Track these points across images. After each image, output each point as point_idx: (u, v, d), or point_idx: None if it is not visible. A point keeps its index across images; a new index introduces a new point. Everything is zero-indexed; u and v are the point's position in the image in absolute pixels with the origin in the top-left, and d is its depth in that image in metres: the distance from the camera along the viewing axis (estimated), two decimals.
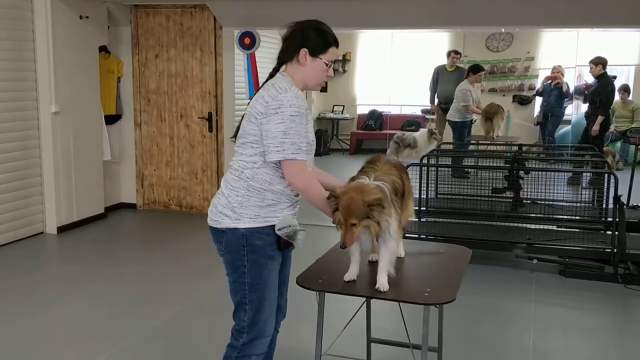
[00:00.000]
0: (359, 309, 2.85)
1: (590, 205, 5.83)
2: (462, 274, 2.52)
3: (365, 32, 8.89)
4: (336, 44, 2.41)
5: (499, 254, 5.28)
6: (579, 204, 5.79)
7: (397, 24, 6.30)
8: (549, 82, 7.86)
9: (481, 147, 7.66)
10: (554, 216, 5.63)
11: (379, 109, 9.53)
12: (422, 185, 5.67)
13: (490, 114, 7.55)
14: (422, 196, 5.68)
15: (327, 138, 9.92)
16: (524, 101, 8.45)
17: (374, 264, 2.47)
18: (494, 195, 5.83)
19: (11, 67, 5.59)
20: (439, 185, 6.24)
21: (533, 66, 8.39)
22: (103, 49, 6.58)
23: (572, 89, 7.99)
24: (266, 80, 2.41)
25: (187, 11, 6.66)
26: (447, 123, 8.03)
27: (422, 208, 5.69)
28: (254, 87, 6.23)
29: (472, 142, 7.79)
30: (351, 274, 2.38)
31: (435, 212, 5.89)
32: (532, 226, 5.55)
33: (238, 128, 2.42)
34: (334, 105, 9.85)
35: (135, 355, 3.52)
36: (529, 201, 5.83)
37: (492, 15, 5.90)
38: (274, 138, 2.24)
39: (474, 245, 4.03)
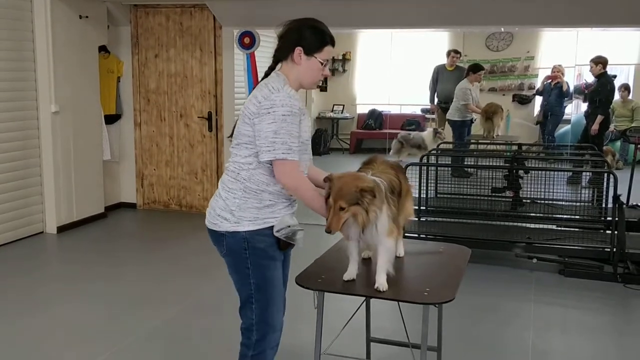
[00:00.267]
0: (359, 308, 2.86)
1: (590, 204, 5.83)
2: (461, 273, 2.53)
3: (365, 31, 8.90)
4: (332, 42, 2.39)
5: (499, 254, 5.28)
6: (578, 204, 5.79)
7: (396, 23, 6.31)
8: (549, 81, 7.86)
9: (481, 147, 7.66)
10: (554, 215, 5.63)
11: (379, 108, 9.55)
12: (422, 184, 5.66)
13: (490, 114, 7.56)
14: (421, 195, 5.67)
15: (327, 137, 9.94)
16: (523, 100, 8.47)
17: (371, 263, 2.47)
18: (493, 194, 5.83)
19: (11, 67, 5.59)
20: (438, 185, 6.24)
21: (533, 65, 8.40)
22: (103, 48, 6.58)
23: (571, 88, 7.99)
24: (261, 80, 2.41)
25: (187, 11, 6.66)
26: (446, 122, 8.04)
27: (421, 207, 5.69)
28: (254, 86, 6.20)
29: (472, 141, 7.79)
30: (350, 273, 2.38)
31: (434, 212, 5.89)
32: (532, 225, 5.55)
33: (235, 127, 2.42)
34: (333, 105, 9.87)
35: (135, 355, 3.52)
36: (528, 200, 5.83)
37: (491, 14, 5.90)
38: (265, 138, 2.24)
39: (474, 245, 4.04)
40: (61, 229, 6.06)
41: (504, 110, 7.77)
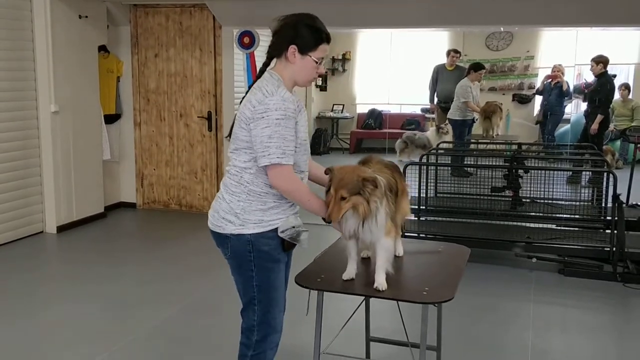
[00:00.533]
0: (358, 307, 2.86)
1: (590, 204, 5.83)
2: (461, 272, 2.53)
3: (365, 31, 8.89)
4: (327, 40, 2.35)
5: (498, 253, 5.28)
6: (578, 203, 5.79)
7: (396, 23, 6.30)
8: (549, 81, 7.86)
9: (481, 146, 7.66)
10: (554, 215, 5.63)
11: (379, 108, 9.54)
12: (422, 184, 5.66)
13: (489, 113, 7.56)
14: (421, 195, 5.67)
15: (327, 137, 9.93)
16: (523, 100, 8.46)
17: (370, 262, 2.47)
18: (493, 194, 5.83)
19: (11, 67, 5.59)
20: (438, 184, 6.24)
21: (533, 65, 8.39)
22: (102, 48, 6.58)
23: (571, 87, 7.99)
24: (256, 79, 2.37)
25: (187, 10, 6.66)
26: (443, 121, 8.04)
27: (421, 207, 5.69)
28: None
29: (472, 141, 7.79)
30: (349, 272, 2.38)
31: (434, 211, 5.89)
32: (532, 225, 5.55)
33: (232, 127, 2.40)
34: (333, 105, 9.86)
35: (135, 355, 3.52)
36: (528, 200, 5.83)
37: (491, 14, 5.90)
38: (260, 143, 2.23)
39: (473, 244, 4.04)
40: (61, 229, 6.06)
41: (502, 110, 7.77)
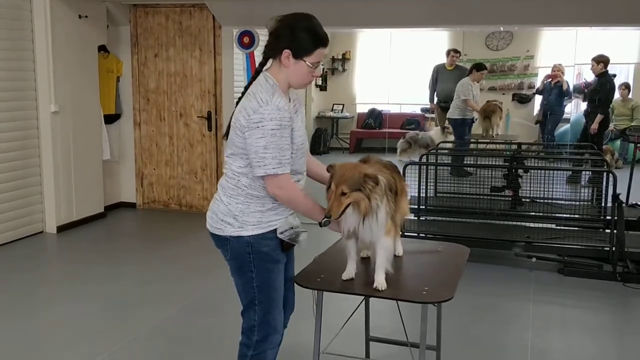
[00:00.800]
0: (358, 307, 2.86)
1: (589, 203, 5.83)
2: (460, 272, 2.53)
3: (365, 31, 8.89)
4: (324, 44, 2.27)
5: (498, 253, 5.28)
6: (578, 203, 5.79)
7: (396, 22, 6.30)
8: (549, 80, 7.86)
9: (480, 146, 7.66)
10: (553, 215, 5.63)
11: (379, 107, 9.54)
12: (421, 183, 5.66)
13: (488, 113, 7.56)
14: (421, 195, 5.67)
15: (327, 137, 9.93)
16: (523, 100, 8.46)
17: (370, 262, 2.48)
18: (493, 193, 5.83)
19: (10, 67, 5.59)
20: (438, 184, 6.24)
21: (532, 65, 8.39)
22: (102, 48, 6.58)
23: (571, 87, 7.99)
24: (252, 80, 2.35)
25: (186, 10, 6.66)
26: (447, 121, 8.04)
27: (421, 206, 5.69)
28: None
29: (472, 140, 7.79)
30: (349, 272, 2.39)
31: (434, 211, 5.89)
32: (531, 225, 5.55)
33: (229, 127, 2.39)
34: (333, 104, 9.86)
35: (135, 355, 3.53)
36: (528, 200, 5.83)
37: (491, 14, 5.90)
38: (255, 153, 2.21)
39: (473, 244, 4.05)
40: (61, 229, 6.06)
41: (503, 110, 7.76)
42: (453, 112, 7.81)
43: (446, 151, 6.92)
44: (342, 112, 9.81)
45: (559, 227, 5.52)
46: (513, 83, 8.47)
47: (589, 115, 7.35)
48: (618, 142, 8.32)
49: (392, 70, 8.84)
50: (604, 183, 5.47)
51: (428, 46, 8.73)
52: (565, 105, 8.04)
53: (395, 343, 3.12)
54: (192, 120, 6.84)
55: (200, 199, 6.94)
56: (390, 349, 3.20)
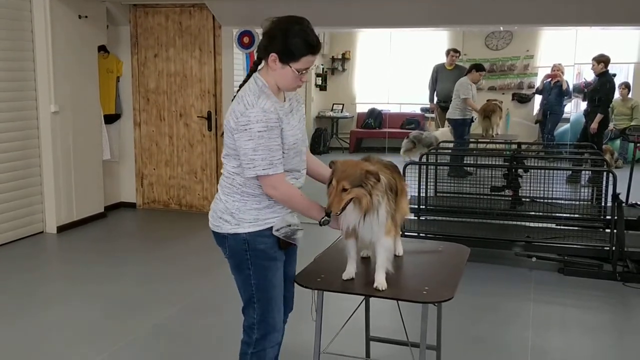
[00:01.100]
0: (358, 307, 2.86)
1: (589, 203, 5.83)
2: (460, 272, 2.53)
3: (365, 31, 8.90)
4: (312, 51, 2.25)
5: (498, 252, 5.28)
6: (577, 202, 5.79)
7: (396, 22, 6.30)
8: (549, 80, 7.86)
9: (480, 146, 7.66)
10: (553, 214, 5.63)
11: (379, 107, 9.54)
12: (421, 183, 5.66)
13: (489, 112, 7.56)
14: (421, 194, 5.68)
15: (327, 136, 9.94)
16: (523, 99, 8.46)
17: (370, 262, 2.48)
18: (493, 193, 5.83)
19: (10, 67, 5.59)
20: (438, 184, 6.24)
21: (532, 64, 8.40)
22: (102, 48, 6.58)
23: (571, 87, 8.00)
24: (245, 81, 2.37)
25: (186, 10, 6.66)
26: (446, 121, 8.03)
27: (421, 206, 5.69)
28: None
29: (472, 140, 7.79)
30: (349, 272, 2.39)
31: (434, 211, 5.89)
32: (531, 224, 5.55)
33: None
34: (333, 104, 9.87)
35: (135, 355, 3.53)
36: (528, 199, 5.83)
37: (491, 13, 5.90)
38: (245, 155, 2.24)
39: (473, 244, 4.05)
40: (61, 229, 6.06)
41: (503, 109, 7.76)
42: (453, 112, 7.80)
43: (446, 151, 6.91)
44: (342, 111, 9.82)
45: (559, 227, 5.52)
46: (513, 83, 8.48)
47: (588, 114, 7.35)
48: (618, 142, 8.33)
49: (392, 70, 8.84)
50: (604, 183, 5.47)
51: (428, 46, 8.73)
52: (565, 105, 8.04)
53: (396, 343, 3.12)
54: (192, 120, 6.84)
55: (200, 199, 6.94)
56: (391, 349, 3.20)
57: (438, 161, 6.57)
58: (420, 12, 6.01)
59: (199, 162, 6.89)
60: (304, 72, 2.28)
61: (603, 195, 5.53)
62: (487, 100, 7.93)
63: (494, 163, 6.44)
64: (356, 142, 9.67)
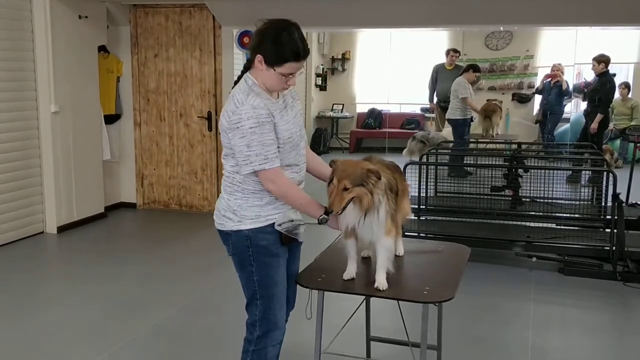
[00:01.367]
0: (359, 307, 2.86)
1: (589, 203, 5.83)
2: (461, 272, 2.53)
3: (365, 31, 8.89)
4: (296, 58, 2.26)
5: (499, 252, 5.28)
6: (578, 202, 5.79)
7: (396, 22, 6.30)
8: (549, 80, 7.86)
9: (480, 146, 7.66)
10: (553, 214, 5.63)
11: (379, 107, 9.54)
12: (422, 183, 5.66)
13: (489, 112, 7.55)
14: (421, 194, 5.68)
15: (327, 136, 9.93)
16: (523, 99, 8.46)
17: (371, 262, 2.48)
18: (493, 193, 5.83)
19: (10, 67, 5.59)
20: (438, 184, 6.24)
21: (532, 64, 8.40)
22: (102, 48, 6.58)
23: (571, 87, 8.00)
24: (238, 79, 2.39)
25: (186, 10, 6.66)
26: (446, 122, 8.03)
27: (421, 206, 5.69)
28: None
29: (472, 140, 7.79)
30: (350, 272, 2.39)
31: (434, 211, 5.89)
32: (532, 224, 5.55)
33: None
34: (333, 104, 9.86)
35: (135, 355, 3.53)
36: (528, 199, 5.83)
37: (491, 13, 5.90)
38: (240, 152, 2.28)
39: (473, 244, 4.05)
40: (61, 229, 6.06)
41: (503, 109, 7.76)
42: (454, 113, 7.77)
43: (446, 151, 6.91)
44: (342, 112, 9.82)
45: (559, 227, 5.52)
46: (513, 83, 8.47)
47: (588, 114, 7.35)
48: (618, 142, 8.33)
49: (392, 70, 8.84)
50: (604, 182, 5.47)
51: (428, 46, 8.73)
52: (564, 105, 8.04)
53: (396, 343, 3.12)
54: (192, 120, 6.84)
55: (201, 199, 6.94)
56: (391, 349, 3.20)
57: (438, 161, 6.57)
58: (420, 12, 6.01)
59: (199, 162, 6.89)
60: (289, 76, 2.30)
61: (603, 195, 5.53)
62: (487, 100, 7.93)
63: (494, 163, 6.44)
64: (356, 142, 9.66)
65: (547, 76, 7.94)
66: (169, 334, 3.81)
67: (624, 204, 5.04)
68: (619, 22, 5.95)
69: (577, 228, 5.47)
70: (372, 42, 9.38)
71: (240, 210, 2.37)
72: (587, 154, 6.55)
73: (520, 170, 5.80)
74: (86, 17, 6.19)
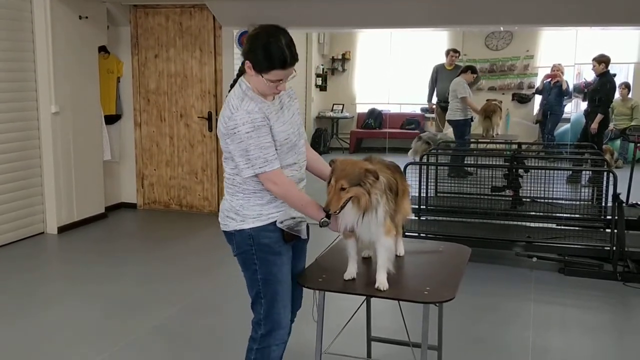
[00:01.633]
0: (359, 307, 2.86)
1: (590, 203, 5.83)
2: (461, 272, 2.53)
3: (365, 31, 8.89)
4: (282, 66, 2.26)
5: (499, 252, 5.28)
6: (578, 202, 5.79)
7: (396, 23, 6.30)
8: (549, 80, 7.86)
9: (481, 146, 7.66)
10: (554, 214, 5.63)
11: (379, 107, 9.54)
12: (422, 183, 5.67)
13: (489, 112, 7.55)
14: (421, 194, 5.68)
15: (327, 137, 9.93)
16: (523, 99, 8.46)
17: (371, 262, 2.48)
18: (493, 193, 5.84)
19: (11, 68, 5.60)
20: (438, 184, 6.24)
21: (532, 64, 8.40)
22: (102, 49, 6.58)
23: (571, 87, 8.00)
24: (233, 83, 2.41)
25: (187, 11, 6.66)
26: (447, 122, 8.02)
27: (421, 206, 5.69)
28: None
29: (472, 140, 7.79)
30: (350, 272, 2.39)
31: (434, 211, 5.89)
32: (532, 224, 5.55)
33: None
34: (333, 104, 9.86)
35: (135, 355, 3.53)
36: (528, 199, 5.83)
37: (491, 14, 5.90)
38: (240, 157, 2.30)
39: (474, 244, 4.05)
40: (62, 229, 6.06)
41: (503, 109, 7.76)
42: (454, 114, 7.75)
43: (447, 151, 6.91)
44: (342, 112, 9.82)
45: (559, 227, 5.52)
46: (513, 83, 8.48)
47: (589, 114, 7.35)
48: (618, 142, 8.33)
49: (392, 70, 8.84)
50: (604, 183, 5.47)
51: (428, 46, 8.73)
52: (564, 105, 8.04)
53: (397, 343, 3.12)
54: (192, 120, 6.84)
55: (201, 199, 6.94)
56: (392, 349, 3.20)
57: (438, 161, 6.57)
58: (420, 12, 6.01)
59: (199, 162, 6.89)
60: (278, 82, 2.30)
61: (603, 195, 5.53)
62: (487, 100, 7.93)
63: (494, 163, 6.44)
64: (356, 142, 9.66)
65: (547, 76, 7.94)
66: (169, 334, 3.81)
67: (624, 204, 5.04)
68: (619, 22, 5.95)
69: (577, 228, 5.47)
70: (372, 42, 9.38)
71: (242, 210, 2.40)
72: (588, 154, 6.55)
73: (520, 171, 5.80)
74: (86, 17, 6.19)
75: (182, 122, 6.87)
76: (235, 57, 6.57)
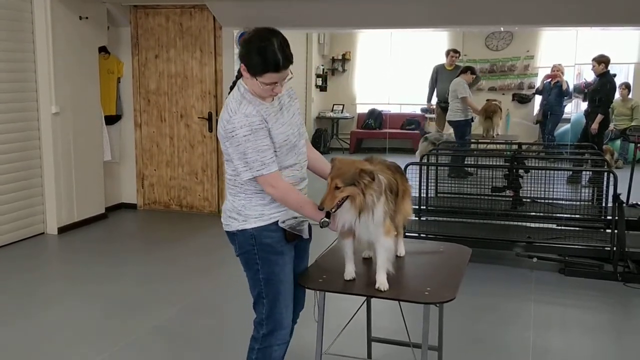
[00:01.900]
0: (359, 307, 2.86)
1: (590, 203, 5.83)
2: (462, 272, 2.53)
3: (365, 31, 8.90)
4: (276, 69, 2.25)
5: (499, 253, 5.28)
6: (578, 203, 5.79)
7: (396, 23, 6.30)
8: (549, 80, 7.86)
9: (481, 146, 7.66)
10: (554, 215, 5.63)
11: (379, 108, 9.54)
12: (422, 184, 5.67)
13: (490, 113, 7.55)
14: (422, 195, 5.68)
15: (327, 137, 9.94)
16: (523, 100, 8.46)
17: (371, 263, 2.48)
18: (493, 194, 5.83)
19: (11, 68, 5.60)
20: (438, 184, 6.24)
21: (532, 65, 8.40)
22: (103, 49, 6.58)
23: (571, 87, 8.00)
24: (233, 85, 2.42)
25: (187, 11, 6.66)
26: (447, 123, 8.02)
27: (421, 207, 5.69)
28: None
29: (472, 141, 7.79)
30: (349, 272, 2.39)
31: (435, 211, 5.89)
32: (532, 225, 5.55)
33: None
34: (333, 105, 9.87)
35: (135, 355, 3.53)
36: (528, 200, 5.83)
37: (491, 14, 5.90)
38: (239, 159, 2.32)
39: (474, 244, 4.04)
40: (62, 230, 6.06)
41: (503, 110, 7.76)
42: (454, 114, 7.74)
43: (447, 151, 6.91)
44: (342, 112, 9.82)
45: (559, 227, 5.52)
46: (513, 83, 8.48)
47: (589, 115, 7.35)
48: (618, 142, 8.33)
49: (392, 70, 8.84)
50: (605, 183, 5.47)
51: (428, 46, 8.73)
52: (565, 105, 8.04)
53: (397, 343, 3.12)
54: (192, 121, 6.84)
55: (201, 199, 6.94)
56: (392, 350, 3.20)
57: (439, 161, 6.57)
58: (420, 13, 6.01)
59: (199, 163, 6.89)
60: (274, 84, 2.30)
61: (604, 196, 5.53)
62: (487, 101, 7.93)
63: (494, 163, 6.44)
64: (356, 142, 9.66)
65: (547, 76, 7.94)
66: (169, 334, 3.81)
67: (624, 205, 5.04)
68: (619, 23, 5.95)
69: (577, 228, 5.47)
70: (372, 42, 9.39)
71: (244, 210, 2.40)
72: (588, 154, 6.55)
73: (520, 171, 5.80)
74: (87, 18, 6.19)
75: (183, 123, 6.87)
76: (235, 57, 6.56)
